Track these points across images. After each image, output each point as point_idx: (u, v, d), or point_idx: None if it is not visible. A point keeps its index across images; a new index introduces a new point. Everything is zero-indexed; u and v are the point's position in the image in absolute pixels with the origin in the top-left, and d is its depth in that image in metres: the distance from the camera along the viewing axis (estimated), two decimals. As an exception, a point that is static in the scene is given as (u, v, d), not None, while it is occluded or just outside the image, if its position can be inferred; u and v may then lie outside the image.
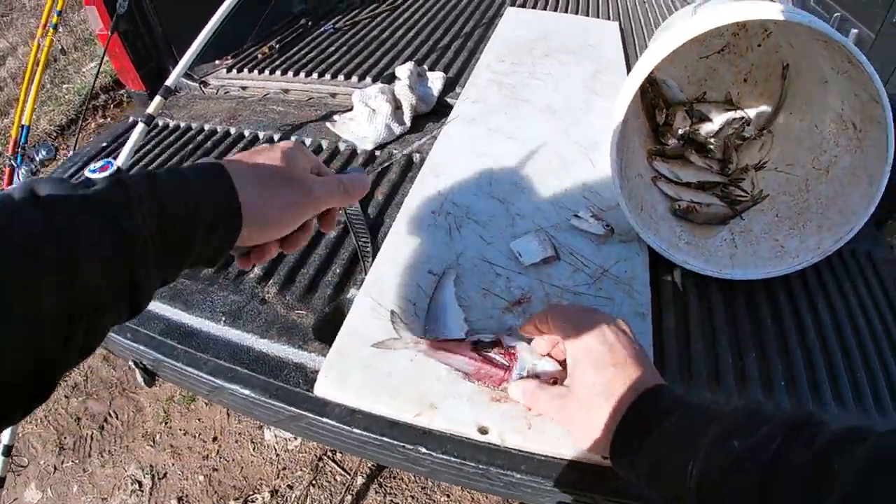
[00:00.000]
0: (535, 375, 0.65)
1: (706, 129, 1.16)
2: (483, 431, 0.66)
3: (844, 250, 1.01)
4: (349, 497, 1.62)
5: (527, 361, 0.66)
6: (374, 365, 0.72)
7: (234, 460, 1.71)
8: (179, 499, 1.65)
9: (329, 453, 1.70)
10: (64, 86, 3.61)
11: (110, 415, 1.94)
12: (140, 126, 1.11)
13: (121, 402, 1.97)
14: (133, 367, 0.97)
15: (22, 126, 2.14)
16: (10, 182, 2.19)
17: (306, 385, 0.76)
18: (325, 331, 0.80)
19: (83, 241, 0.34)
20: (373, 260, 0.88)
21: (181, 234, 0.41)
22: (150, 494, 1.68)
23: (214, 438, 1.78)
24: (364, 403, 0.70)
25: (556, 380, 0.64)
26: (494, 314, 0.78)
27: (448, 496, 1.63)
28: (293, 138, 1.25)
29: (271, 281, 0.91)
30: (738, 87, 1.16)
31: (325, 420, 0.72)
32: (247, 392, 0.77)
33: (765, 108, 1.14)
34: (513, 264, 0.86)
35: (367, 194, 1.05)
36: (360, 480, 1.65)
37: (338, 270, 0.92)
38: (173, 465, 1.73)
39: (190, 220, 0.41)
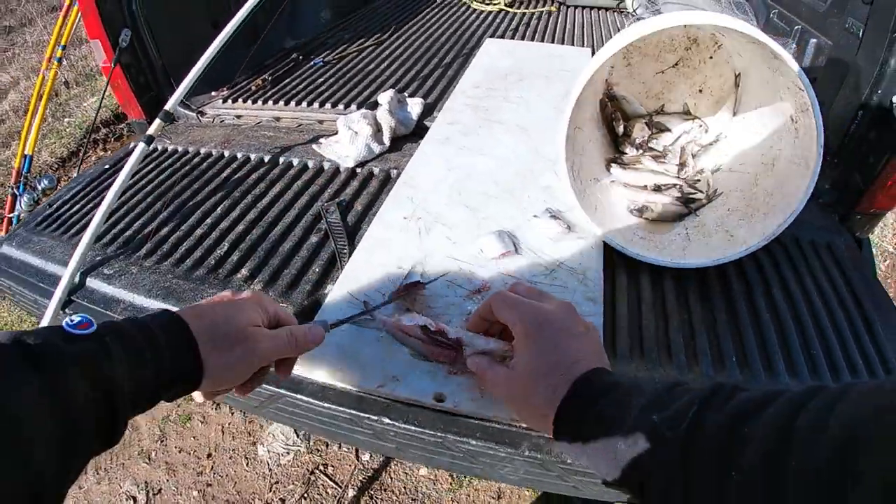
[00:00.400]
0: (485, 352, 0.68)
1: (666, 139, 1.24)
2: (439, 399, 0.72)
3: (804, 242, 1.09)
4: (341, 510, 1.66)
5: (476, 340, 0.70)
6: (345, 345, 0.79)
7: (227, 475, 1.75)
8: (175, 513, 1.69)
9: (321, 467, 1.74)
10: (65, 119, 3.76)
11: (108, 434, 1.99)
12: (140, 146, 1.20)
13: (118, 421, 2.01)
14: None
15: (25, 156, 2.25)
16: (12, 209, 2.29)
17: (283, 367, 0.82)
18: (304, 320, 0.87)
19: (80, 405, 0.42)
20: (349, 260, 0.96)
21: (148, 392, 0.50)
22: (146, 510, 1.72)
23: (209, 455, 1.82)
24: (335, 378, 0.77)
25: (506, 358, 0.67)
26: (456, 301, 0.86)
27: (437, 507, 1.66)
28: (281, 161, 1.34)
29: (257, 279, 0.99)
30: (695, 97, 1.25)
31: (299, 397, 0.79)
32: (230, 376, 0.84)
33: (720, 114, 1.22)
34: (476, 259, 0.93)
35: (347, 205, 1.14)
36: (350, 493, 1.69)
37: (317, 270, 0.99)
38: (168, 481, 1.77)
39: (155, 382, 0.50)
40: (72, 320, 0.47)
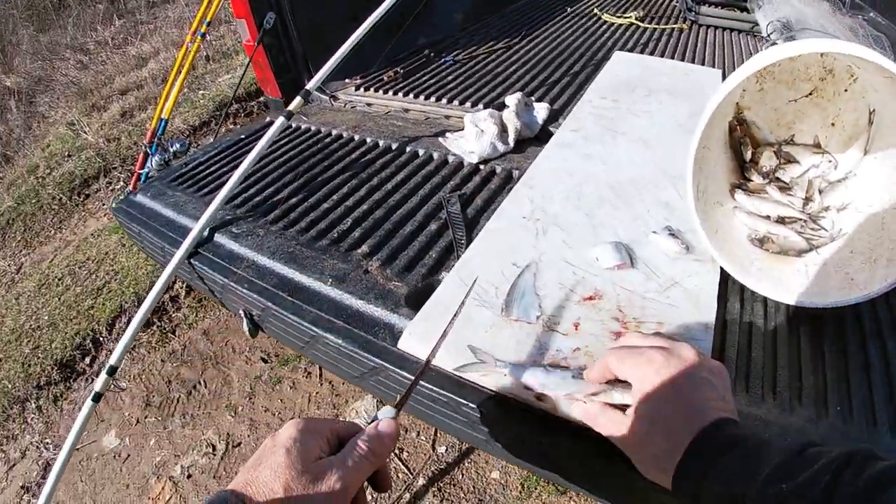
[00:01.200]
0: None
1: (793, 170, 1.20)
2: (539, 398, 0.74)
3: None
4: (407, 496, 1.70)
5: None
6: (454, 330, 0.82)
7: (306, 441, 1.84)
8: (248, 468, 1.80)
9: (396, 451, 1.80)
10: (200, 91, 4.07)
11: (199, 383, 2.15)
12: (280, 119, 1.30)
13: (212, 373, 2.17)
14: (242, 315, 1.13)
15: (161, 119, 2.45)
16: (143, 166, 2.50)
17: (392, 341, 0.87)
18: (416, 301, 0.92)
19: None
20: (465, 250, 0.99)
21: None
22: (222, 459, 1.85)
23: (292, 419, 1.92)
24: (441, 360, 0.80)
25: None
26: (567, 305, 0.87)
27: (503, 510, 1.68)
28: (408, 149, 1.40)
29: (376, 257, 1.05)
30: (826, 130, 1.19)
31: (402, 372, 0.83)
32: (340, 342, 0.90)
33: (851, 151, 1.17)
34: (590, 267, 0.95)
35: (467, 199, 1.18)
36: (420, 482, 1.73)
37: (434, 255, 1.04)
38: (248, 436, 1.88)
39: None
40: None
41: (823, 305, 0.96)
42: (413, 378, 0.61)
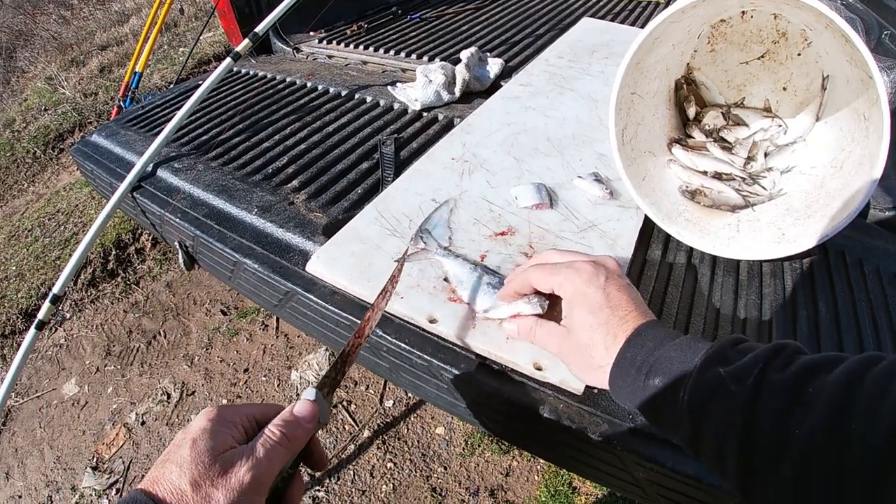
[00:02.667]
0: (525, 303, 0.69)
1: (740, 132, 1.19)
2: (432, 321, 0.74)
3: (869, 267, 1.01)
4: (352, 447, 1.71)
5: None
6: (361, 256, 0.83)
7: (257, 392, 1.85)
8: (201, 415, 1.81)
9: (344, 403, 1.81)
10: (180, 49, 4.04)
11: (159, 333, 2.15)
12: (227, 60, 1.28)
13: (172, 324, 2.17)
14: (177, 247, 1.13)
15: (135, 72, 2.44)
16: (116, 120, 2.51)
17: (303, 266, 0.87)
18: (333, 230, 0.91)
19: None
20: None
21: None
22: (175, 407, 1.86)
23: (246, 370, 1.93)
24: (343, 284, 0.81)
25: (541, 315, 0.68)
26: (477, 239, 0.87)
27: (445, 468, 1.69)
28: (356, 96, 1.39)
29: (303, 191, 1.05)
30: (777, 95, 1.19)
31: (310, 296, 0.83)
32: (257, 266, 0.90)
33: (802, 116, 1.16)
34: (508, 206, 0.94)
35: (404, 142, 1.18)
36: (366, 434, 1.74)
37: (360, 191, 1.04)
38: (203, 386, 1.89)
39: None
40: None
41: (750, 258, 0.96)
42: (338, 356, 0.56)
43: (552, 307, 0.68)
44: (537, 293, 0.68)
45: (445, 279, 0.78)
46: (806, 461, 0.39)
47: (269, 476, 0.46)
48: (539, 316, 0.67)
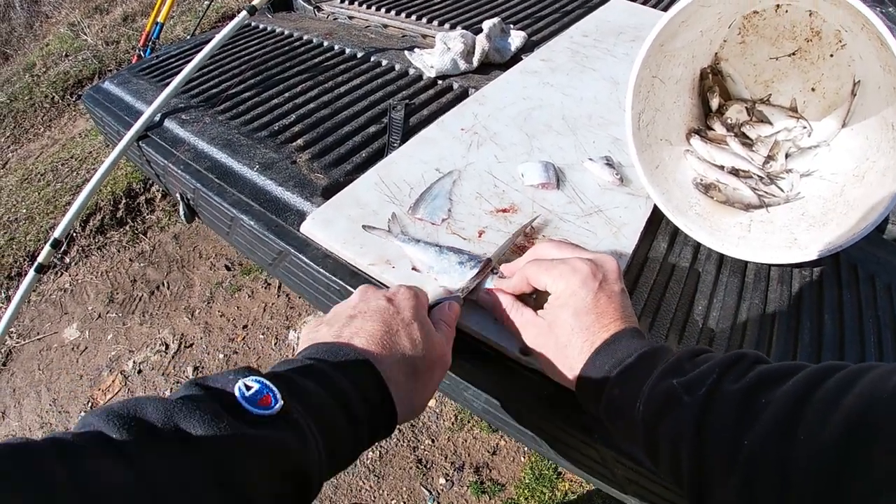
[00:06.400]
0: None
1: (763, 130, 1.15)
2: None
3: (880, 285, 0.97)
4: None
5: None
6: (357, 221, 0.81)
7: (254, 349, 1.86)
8: (196, 368, 1.82)
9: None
10: (204, 1, 3.99)
11: (163, 284, 2.16)
12: (242, 13, 1.25)
13: (176, 275, 2.18)
14: (179, 199, 1.11)
15: (157, 22, 2.41)
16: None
17: (299, 227, 0.85)
18: (332, 192, 0.89)
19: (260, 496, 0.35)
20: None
21: (345, 457, 0.46)
22: (173, 357, 1.87)
23: (245, 326, 1.93)
24: (336, 247, 0.79)
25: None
26: (478, 213, 0.85)
27: (433, 440, 1.69)
28: (372, 59, 1.36)
29: (307, 150, 1.03)
30: (805, 95, 1.14)
31: (302, 258, 0.81)
32: (252, 223, 0.88)
33: (828, 120, 1.12)
34: (513, 182, 0.92)
35: (414, 109, 1.15)
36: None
37: (364, 155, 1.02)
38: (201, 339, 1.90)
39: (353, 443, 0.46)
40: (247, 387, 0.38)
41: (759, 260, 0.93)
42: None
43: (528, 295, 0.67)
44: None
45: (414, 269, 0.75)
46: (752, 470, 0.39)
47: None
48: (517, 297, 0.66)
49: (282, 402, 0.38)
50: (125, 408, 0.34)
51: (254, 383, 0.38)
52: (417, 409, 0.53)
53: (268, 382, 0.39)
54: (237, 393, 0.37)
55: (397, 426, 0.52)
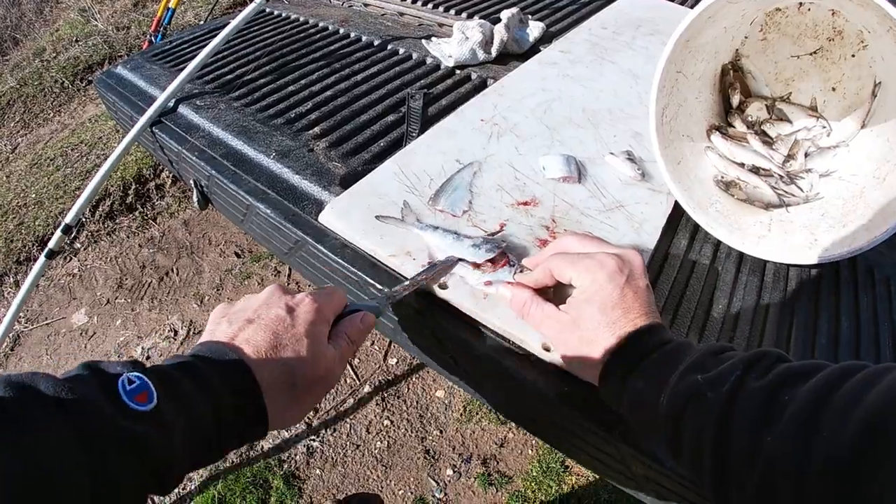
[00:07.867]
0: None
1: (782, 128, 1.14)
2: (443, 287, 0.71)
3: (880, 278, 0.96)
4: (351, 400, 1.72)
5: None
6: (376, 211, 0.80)
7: (263, 338, 1.85)
8: (206, 354, 1.82)
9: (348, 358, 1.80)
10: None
11: (172, 270, 2.16)
12: (256, 0, 1.24)
13: (185, 262, 2.18)
14: (192, 186, 1.11)
15: (169, 8, 2.40)
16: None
17: (316, 216, 0.85)
18: (350, 182, 0.88)
19: (123, 485, 0.38)
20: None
21: (208, 457, 0.47)
22: (181, 344, 1.87)
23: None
24: (354, 238, 0.78)
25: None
26: (498, 206, 0.84)
27: (441, 431, 1.69)
28: (389, 47, 1.34)
29: (325, 139, 1.02)
30: (826, 94, 1.13)
31: (320, 247, 0.81)
32: (269, 212, 0.88)
33: (848, 121, 1.10)
34: (534, 175, 0.91)
35: (433, 98, 1.14)
36: (366, 389, 1.74)
37: (382, 144, 1.01)
38: (210, 325, 1.90)
39: (217, 444, 0.47)
40: (129, 381, 0.41)
41: (779, 260, 0.92)
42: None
43: (548, 288, 0.66)
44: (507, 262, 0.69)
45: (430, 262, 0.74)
46: (771, 467, 0.39)
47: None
48: (535, 291, 0.65)
49: (156, 402, 0.41)
50: (21, 377, 0.38)
51: (136, 379, 0.41)
52: (290, 420, 0.53)
53: (148, 380, 0.42)
54: (119, 386, 0.40)
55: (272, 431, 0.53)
